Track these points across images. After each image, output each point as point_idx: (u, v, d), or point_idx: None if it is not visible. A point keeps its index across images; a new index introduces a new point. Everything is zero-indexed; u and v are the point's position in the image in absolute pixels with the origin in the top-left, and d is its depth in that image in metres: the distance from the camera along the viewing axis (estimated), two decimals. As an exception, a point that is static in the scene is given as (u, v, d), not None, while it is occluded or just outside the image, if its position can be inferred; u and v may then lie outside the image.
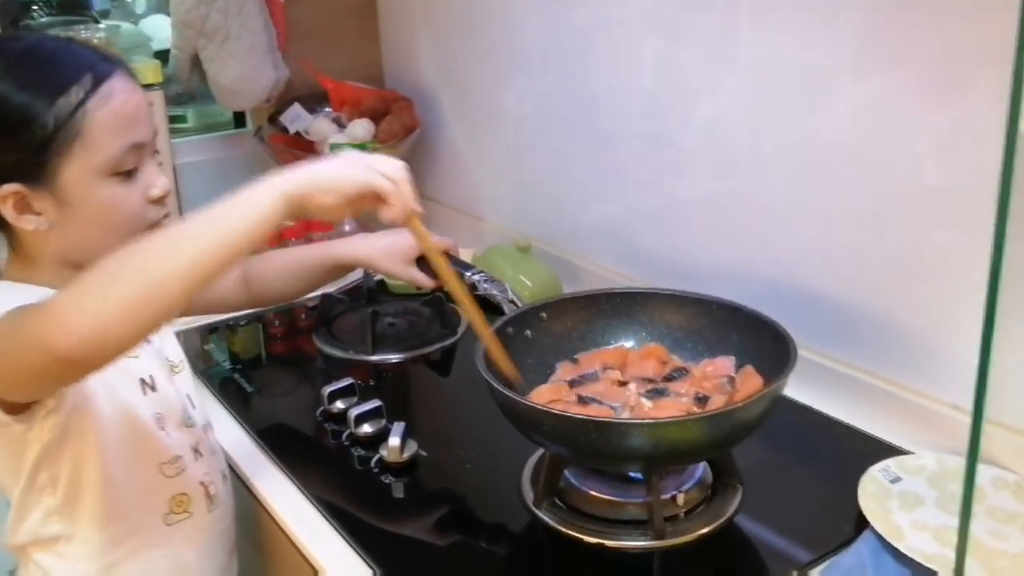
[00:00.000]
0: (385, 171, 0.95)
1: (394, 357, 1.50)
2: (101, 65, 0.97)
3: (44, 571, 1.04)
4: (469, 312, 1.09)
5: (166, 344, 1.15)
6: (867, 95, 1.18)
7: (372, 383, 1.43)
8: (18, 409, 0.91)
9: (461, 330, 1.56)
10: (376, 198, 0.94)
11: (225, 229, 0.84)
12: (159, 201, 1.02)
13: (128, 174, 0.99)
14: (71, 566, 1.03)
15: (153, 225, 1.04)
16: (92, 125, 0.94)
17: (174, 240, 0.84)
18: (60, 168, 0.94)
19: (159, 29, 2.39)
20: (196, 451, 1.12)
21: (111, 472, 1.01)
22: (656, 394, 1.10)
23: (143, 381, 1.07)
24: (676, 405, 1.06)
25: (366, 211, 0.97)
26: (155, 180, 1.02)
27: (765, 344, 1.10)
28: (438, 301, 1.56)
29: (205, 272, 0.82)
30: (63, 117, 0.93)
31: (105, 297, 0.79)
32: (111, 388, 1.02)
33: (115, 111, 0.96)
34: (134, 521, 1.05)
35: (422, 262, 1.30)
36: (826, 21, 1.20)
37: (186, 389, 1.15)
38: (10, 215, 0.95)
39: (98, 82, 0.95)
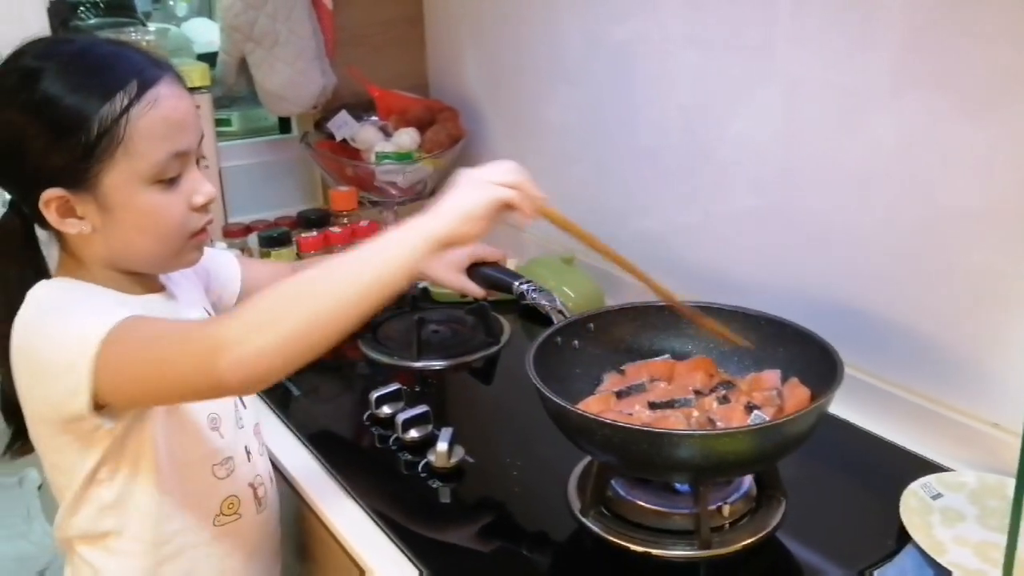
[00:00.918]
0: (504, 180, 0.99)
1: (438, 364, 1.52)
2: (149, 71, 0.97)
3: (92, 566, 1.05)
4: (611, 256, 1.16)
5: None
6: (904, 114, 1.19)
7: (418, 389, 1.45)
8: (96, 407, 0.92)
9: (504, 338, 1.58)
10: (507, 207, 0.99)
11: (378, 273, 0.90)
12: (202, 208, 1.02)
13: (171, 181, 0.98)
14: (120, 562, 1.04)
15: (196, 233, 1.04)
16: (136, 132, 0.94)
17: (332, 281, 0.89)
18: (103, 174, 0.94)
19: (200, 32, 2.43)
20: (247, 452, 1.13)
21: (166, 471, 1.02)
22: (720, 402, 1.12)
23: None
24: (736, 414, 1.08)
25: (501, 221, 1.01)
26: (199, 187, 1.01)
27: (812, 359, 1.12)
28: (482, 309, 1.59)
29: (358, 313, 0.88)
30: (107, 123, 0.93)
31: (276, 335, 0.85)
32: None
33: (160, 118, 0.96)
34: (184, 521, 1.06)
35: (472, 271, 1.32)
36: (863, 39, 1.22)
37: None
38: (53, 219, 0.96)
39: (144, 88, 0.95)
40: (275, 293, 0.87)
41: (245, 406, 1.17)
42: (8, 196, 1.02)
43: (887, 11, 1.18)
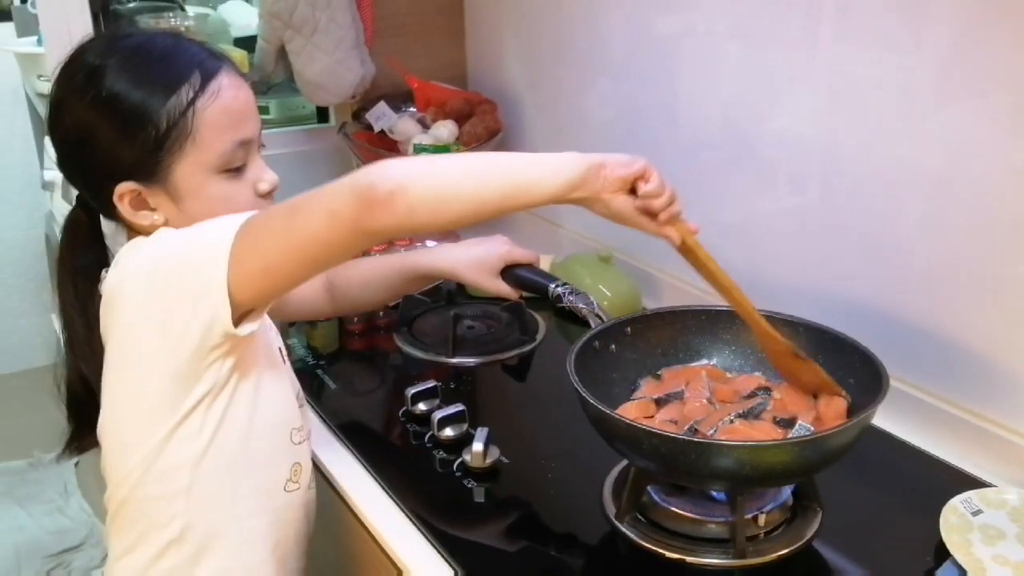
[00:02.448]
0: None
1: (472, 360, 1.52)
2: (209, 62, 1.00)
3: (157, 526, 1.03)
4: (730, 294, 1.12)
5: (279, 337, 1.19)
6: (951, 117, 1.17)
7: (453, 386, 1.45)
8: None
9: (540, 337, 1.58)
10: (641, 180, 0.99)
11: (533, 172, 0.95)
12: (267, 195, 1.06)
13: (238, 170, 1.02)
14: (187, 519, 1.03)
15: None
16: (203, 123, 0.98)
17: (495, 163, 0.97)
18: (173, 166, 0.98)
19: (237, 15, 2.44)
20: (308, 431, 1.16)
21: (253, 428, 1.03)
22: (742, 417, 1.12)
23: (280, 350, 1.12)
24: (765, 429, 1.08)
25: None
26: (263, 175, 1.05)
27: (854, 368, 1.11)
28: (518, 307, 1.58)
29: (502, 200, 0.93)
30: (175, 116, 0.97)
31: (435, 178, 0.90)
32: (269, 344, 1.07)
33: (224, 108, 0.99)
34: (259, 481, 1.07)
35: (506, 273, 1.32)
36: (912, 39, 1.20)
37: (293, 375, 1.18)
38: (127, 212, 1.00)
39: (207, 80, 0.99)
40: (447, 157, 0.95)
41: (299, 388, 1.18)
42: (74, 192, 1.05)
43: (936, 11, 1.16)
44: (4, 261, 3.17)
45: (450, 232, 1.68)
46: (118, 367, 1.00)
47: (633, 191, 0.99)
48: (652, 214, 1.01)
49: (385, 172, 0.87)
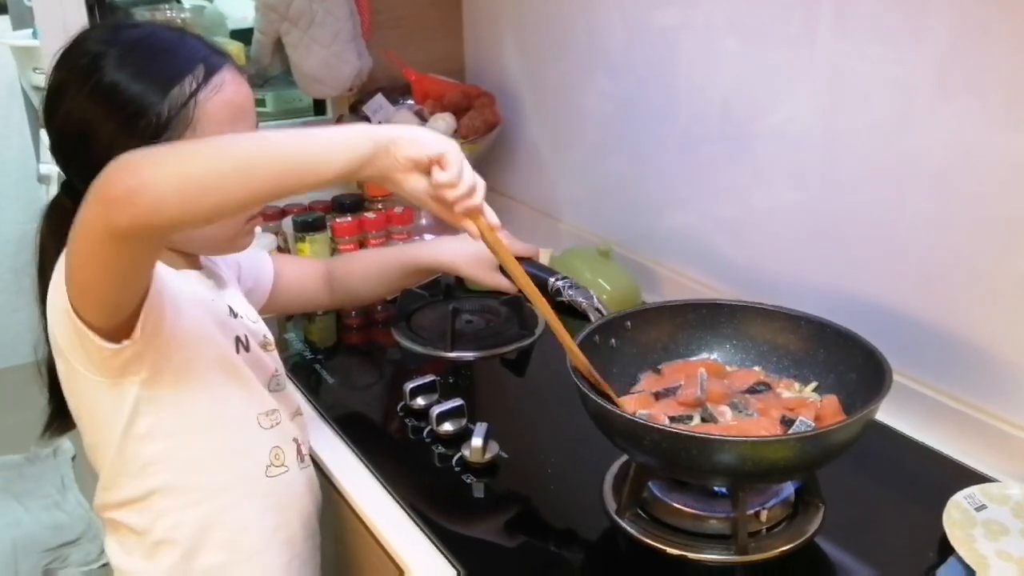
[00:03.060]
0: (465, 167, 0.96)
1: (471, 355, 1.51)
2: (213, 57, 1.01)
3: (136, 531, 1.04)
4: (549, 318, 1.08)
5: (260, 325, 1.18)
6: (952, 112, 1.16)
7: (452, 380, 1.44)
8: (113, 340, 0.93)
9: (539, 331, 1.57)
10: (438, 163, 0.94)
11: (310, 151, 0.88)
12: None
13: None
14: (171, 519, 1.03)
15: (252, 217, 1.08)
16: (204, 115, 0.98)
17: (262, 144, 0.88)
18: None
19: (234, 7, 2.42)
20: (291, 413, 1.15)
21: (212, 418, 1.03)
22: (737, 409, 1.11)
23: (238, 339, 1.09)
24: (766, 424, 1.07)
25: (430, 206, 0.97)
26: None
27: (856, 363, 1.10)
28: (517, 301, 1.57)
29: (275, 184, 0.85)
30: (177, 106, 0.97)
31: (181, 165, 0.81)
32: (211, 336, 1.04)
33: (226, 102, 0.99)
34: (237, 469, 1.07)
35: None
36: (912, 34, 1.19)
37: (275, 362, 1.17)
38: None
39: (210, 73, 0.99)
40: (201, 141, 0.88)
41: (280, 376, 1.16)
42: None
43: (936, 5, 1.15)
44: (1, 254, 3.17)
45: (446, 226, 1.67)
46: (65, 386, 1.01)
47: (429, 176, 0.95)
48: (448, 205, 0.96)
49: (121, 165, 0.81)
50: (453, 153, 0.94)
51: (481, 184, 0.98)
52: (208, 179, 0.82)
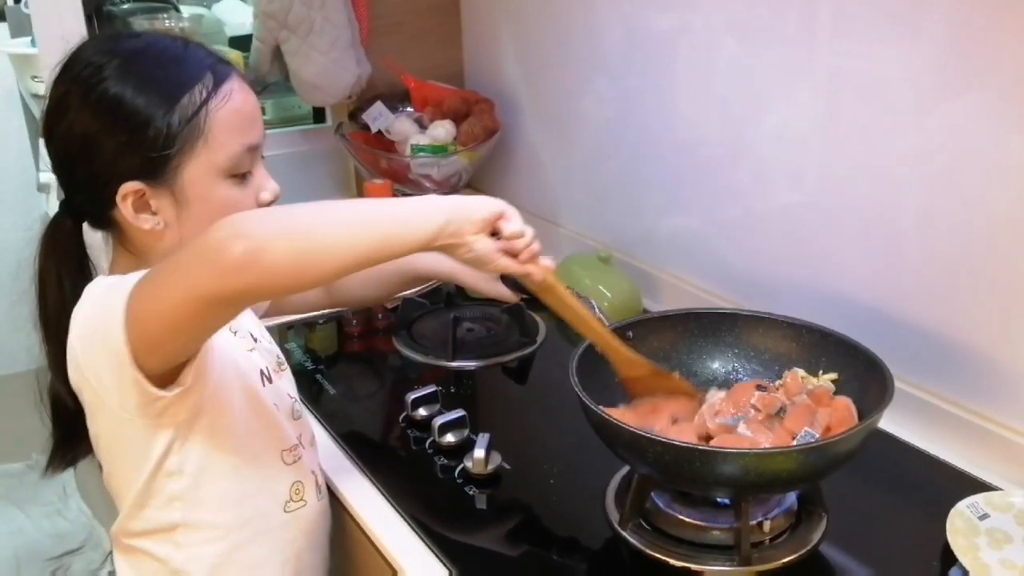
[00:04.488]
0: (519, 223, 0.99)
1: (472, 364, 1.51)
2: (219, 66, 1.00)
3: (157, 559, 1.04)
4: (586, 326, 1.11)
5: (274, 345, 1.18)
6: (951, 112, 1.16)
7: (453, 390, 1.44)
8: (160, 383, 0.92)
9: (540, 339, 1.57)
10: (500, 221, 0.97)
11: (401, 219, 0.91)
12: (268, 205, 1.04)
13: (243, 176, 1.01)
14: (190, 552, 1.03)
15: None
16: (215, 124, 0.97)
17: (361, 213, 0.90)
18: (182, 166, 0.96)
19: (231, 14, 2.42)
20: (302, 442, 1.14)
21: (240, 457, 1.03)
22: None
23: (262, 373, 1.09)
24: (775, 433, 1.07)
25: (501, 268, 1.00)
26: (266, 183, 1.04)
27: (858, 371, 1.10)
28: (518, 309, 1.57)
29: (374, 252, 0.89)
30: (188, 115, 0.95)
31: (294, 231, 0.84)
32: (242, 375, 1.05)
33: (235, 111, 0.98)
34: (256, 507, 1.06)
35: (506, 276, 1.31)
36: (909, 33, 1.19)
37: (291, 385, 1.17)
38: (128, 214, 0.97)
39: (219, 82, 0.98)
40: (303, 206, 0.88)
41: (296, 400, 1.17)
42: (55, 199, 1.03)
43: (934, 5, 1.15)
44: (0, 263, 3.16)
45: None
46: (90, 415, 0.99)
47: (494, 233, 0.98)
48: (514, 254, 0.99)
49: (237, 230, 0.82)
50: (510, 208, 0.98)
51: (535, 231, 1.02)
52: (322, 246, 0.85)
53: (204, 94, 0.96)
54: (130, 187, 0.96)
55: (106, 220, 1.01)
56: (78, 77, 0.96)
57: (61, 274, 1.02)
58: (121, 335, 0.87)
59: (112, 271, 1.04)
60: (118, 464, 1.02)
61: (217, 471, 1.01)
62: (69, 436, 1.05)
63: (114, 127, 0.94)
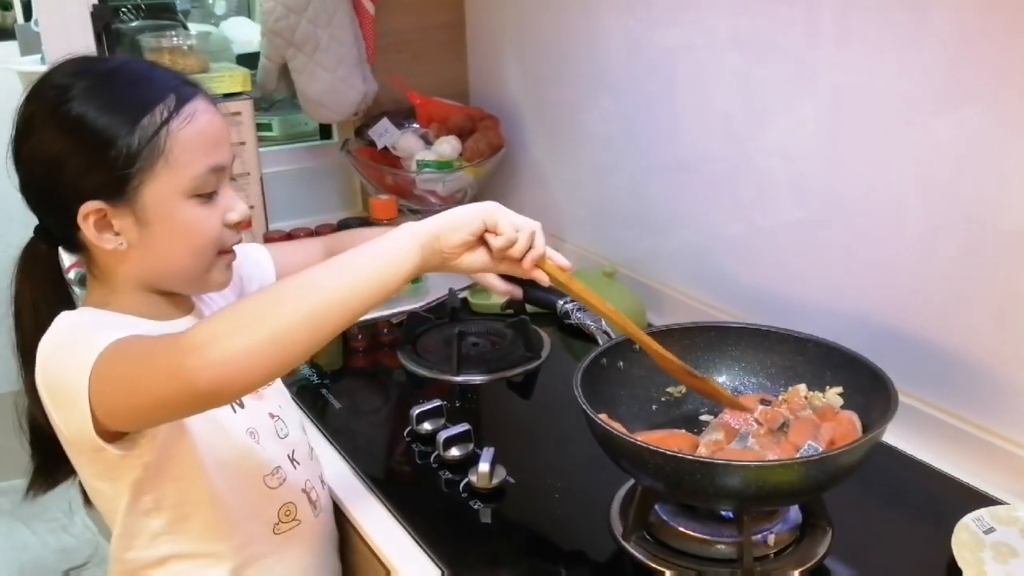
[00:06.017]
0: (515, 220, 0.97)
1: (477, 378, 1.51)
2: (184, 88, 0.98)
3: None
4: (611, 317, 1.09)
5: None
6: (955, 126, 1.16)
7: (458, 404, 1.44)
8: (114, 437, 0.91)
9: (545, 353, 1.57)
10: (491, 227, 0.96)
11: (363, 275, 0.88)
12: (235, 226, 1.03)
13: (208, 196, 0.99)
14: None
15: (226, 251, 1.04)
16: (176, 144, 0.95)
17: (315, 283, 0.87)
18: (143, 186, 0.95)
19: (239, 31, 2.44)
20: (293, 460, 1.13)
21: (218, 489, 1.02)
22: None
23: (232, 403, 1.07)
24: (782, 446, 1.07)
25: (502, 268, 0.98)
26: (234, 204, 1.02)
27: (862, 385, 1.10)
28: (522, 323, 1.57)
29: (348, 313, 0.86)
30: (148, 135, 0.94)
31: (250, 336, 0.82)
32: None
33: (198, 131, 0.97)
34: (246, 533, 1.06)
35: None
36: (912, 47, 1.19)
37: (277, 401, 1.16)
38: (91, 233, 0.95)
39: (182, 103, 0.96)
40: (255, 297, 0.87)
41: (285, 415, 1.15)
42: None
43: (937, 18, 1.16)
44: (5, 277, 3.17)
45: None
46: (64, 444, 0.99)
47: (486, 244, 0.97)
48: (515, 261, 0.98)
49: (195, 329, 0.83)
50: (496, 213, 0.97)
51: (538, 229, 0.99)
52: (266, 327, 0.82)
53: (166, 114, 0.95)
54: (91, 206, 0.94)
55: (77, 243, 1.00)
56: (44, 98, 0.95)
57: (36, 298, 1.01)
58: (85, 407, 0.87)
59: (86, 302, 1.03)
60: (95, 495, 1.03)
61: (197, 502, 1.02)
62: (49, 460, 1.04)
63: (77, 147, 0.93)
